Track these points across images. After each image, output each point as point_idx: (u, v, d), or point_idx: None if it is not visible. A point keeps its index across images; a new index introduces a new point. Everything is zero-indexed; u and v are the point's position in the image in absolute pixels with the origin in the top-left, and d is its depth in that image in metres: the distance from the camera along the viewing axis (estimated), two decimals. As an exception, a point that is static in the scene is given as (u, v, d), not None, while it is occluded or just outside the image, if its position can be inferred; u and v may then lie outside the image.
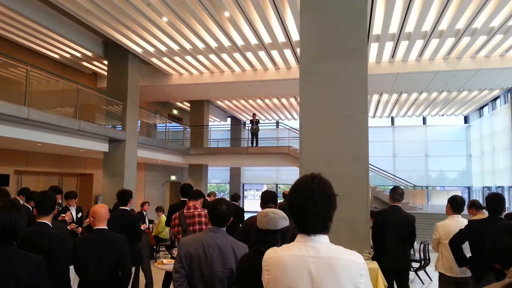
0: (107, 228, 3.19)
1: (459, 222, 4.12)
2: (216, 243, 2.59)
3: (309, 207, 1.54)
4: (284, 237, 2.26)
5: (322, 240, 1.56)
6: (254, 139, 16.74)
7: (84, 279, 3.07)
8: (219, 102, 18.99)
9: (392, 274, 4.60)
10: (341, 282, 1.47)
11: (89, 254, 3.02)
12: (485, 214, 4.11)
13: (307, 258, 1.52)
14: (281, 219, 2.27)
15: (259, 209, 3.73)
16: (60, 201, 6.34)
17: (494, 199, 3.77)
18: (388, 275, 4.43)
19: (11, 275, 2.03)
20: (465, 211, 4.52)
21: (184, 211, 4.16)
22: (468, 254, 3.82)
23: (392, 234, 4.59)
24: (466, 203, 4.44)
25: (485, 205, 3.87)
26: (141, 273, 6.16)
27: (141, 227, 6.26)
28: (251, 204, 23.99)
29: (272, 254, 1.64)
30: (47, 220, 3.09)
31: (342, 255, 1.53)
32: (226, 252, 2.58)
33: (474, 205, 4.48)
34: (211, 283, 2.55)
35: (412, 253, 7.59)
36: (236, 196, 8.29)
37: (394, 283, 4.72)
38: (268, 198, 4.03)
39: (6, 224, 2.07)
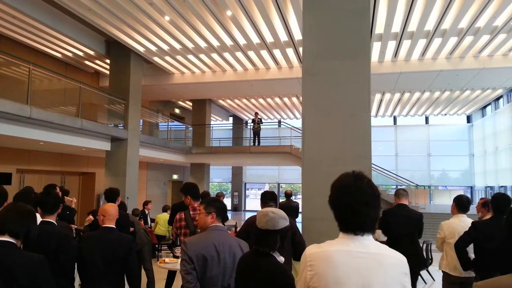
0: (115, 227, 3.18)
1: (464, 221, 4.08)
2: (226, 242, 2.65)
3: (362, 209, 1.51)
4: (284, 237, 2.20)
5: (369, 238, 1.54)
6: (256, 138, 16.72)
7: (87, 277, 3.05)
8: (221, 101, 19.00)
9: None
10: (389, 279, 1.46)
11: (95, 250, 3.02)
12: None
13: (355, 253, 1.49)
14: (281, 219, 2.19)
15: (259, 208, 3.72)
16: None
17: (503, 200, 3.73)
18: None
19: (11, 275, 2.00)
20: (471, 211, 4.46)
21: (191, 213, 4.13)
22: (472, 255, 3.78)
23: (403, 232, 4.59)
24: (477, 202, 4.36)
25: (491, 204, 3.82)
26: (143, 272, 6.16)
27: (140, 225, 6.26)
28: (252, 203, 24.03)
29: (316, 249, 1.57)
30: (52, 219, 3.09)
31: (389, 252, 1.52)
32: (236, 250, 2.65)
33: (487, 205, 4.39)
34: (225, 282, 2.60)
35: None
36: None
37: None
38: (268, 197, 4.03)
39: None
